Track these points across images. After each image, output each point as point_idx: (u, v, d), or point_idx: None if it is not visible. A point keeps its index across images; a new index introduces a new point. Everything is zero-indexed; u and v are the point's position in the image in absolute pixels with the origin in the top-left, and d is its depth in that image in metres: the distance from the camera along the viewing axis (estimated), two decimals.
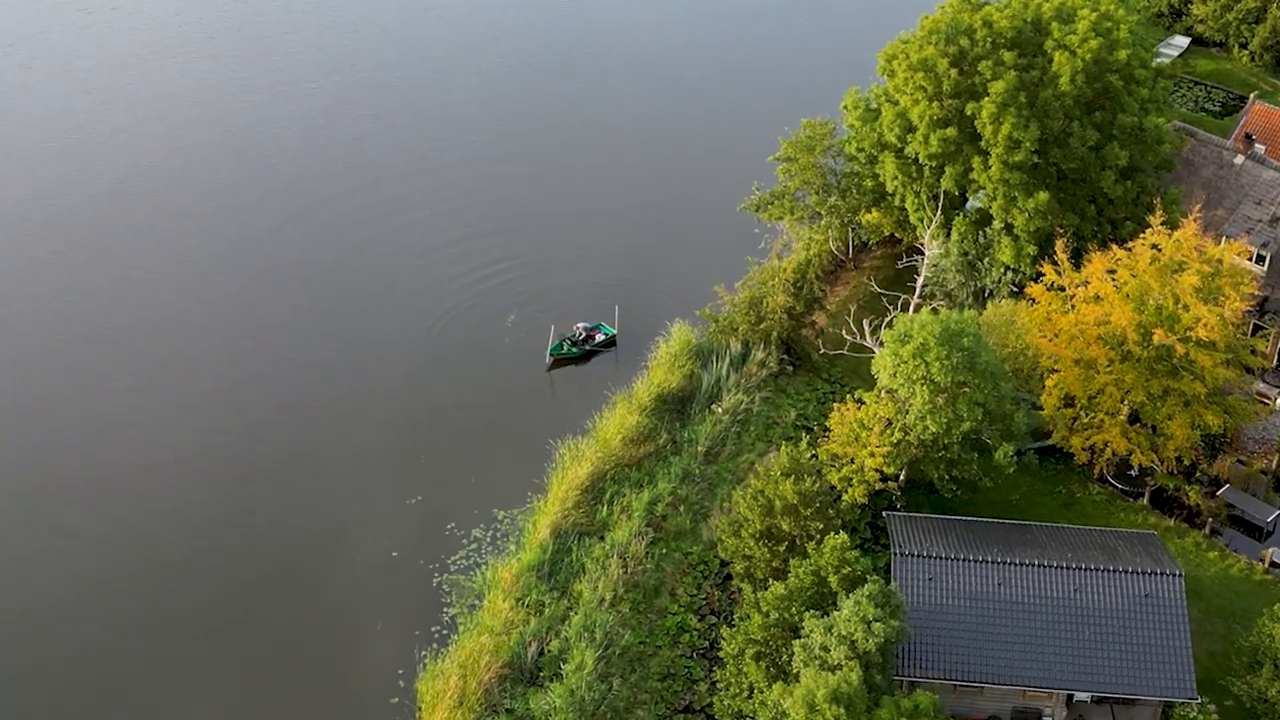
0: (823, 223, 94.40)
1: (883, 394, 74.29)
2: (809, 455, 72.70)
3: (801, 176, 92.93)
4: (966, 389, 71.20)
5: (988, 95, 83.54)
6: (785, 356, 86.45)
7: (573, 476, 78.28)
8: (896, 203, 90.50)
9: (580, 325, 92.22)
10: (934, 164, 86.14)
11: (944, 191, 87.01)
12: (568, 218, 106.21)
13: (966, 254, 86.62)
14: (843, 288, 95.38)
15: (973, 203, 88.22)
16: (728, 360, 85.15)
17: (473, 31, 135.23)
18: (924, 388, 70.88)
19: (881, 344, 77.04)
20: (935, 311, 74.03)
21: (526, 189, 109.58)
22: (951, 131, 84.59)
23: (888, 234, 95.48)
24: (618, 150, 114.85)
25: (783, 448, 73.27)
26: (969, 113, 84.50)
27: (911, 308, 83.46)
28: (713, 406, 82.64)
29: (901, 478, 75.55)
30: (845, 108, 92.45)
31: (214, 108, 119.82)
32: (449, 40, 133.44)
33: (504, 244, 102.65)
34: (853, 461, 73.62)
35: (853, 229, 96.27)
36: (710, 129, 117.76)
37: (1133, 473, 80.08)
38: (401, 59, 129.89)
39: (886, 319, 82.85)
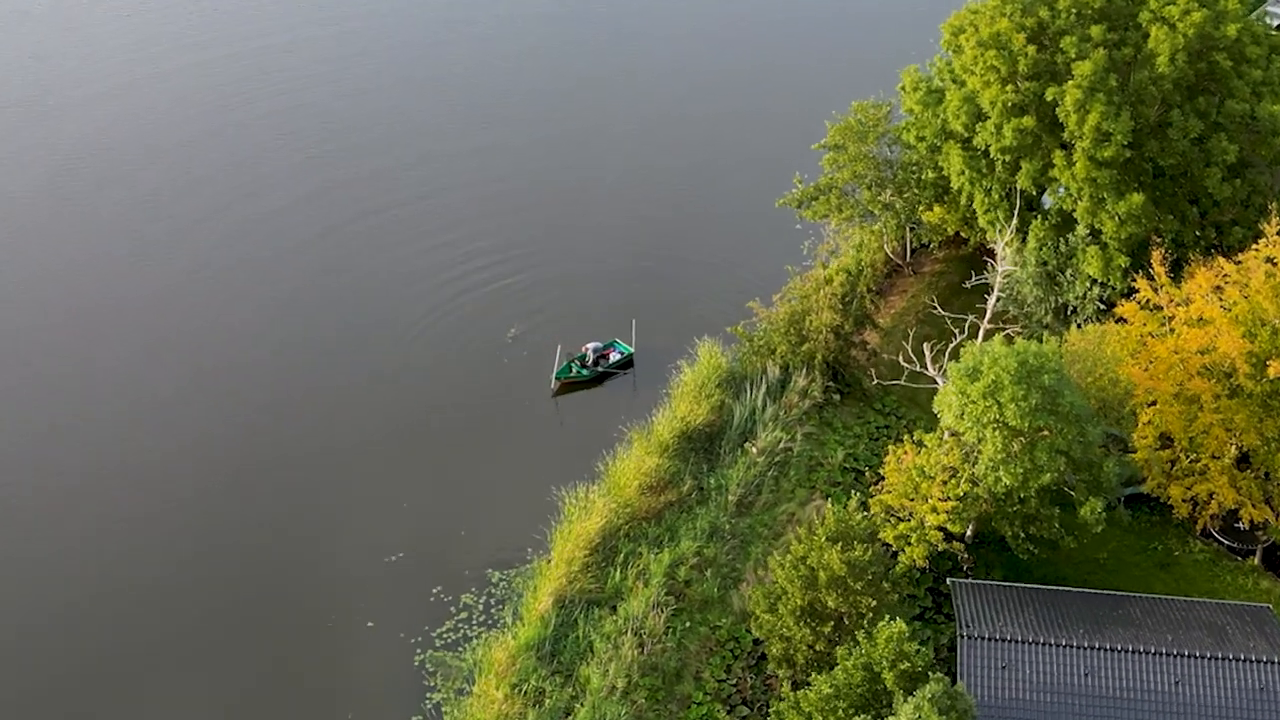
0: (876, 224, 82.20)
1: (946, 437, 62.60)
2: (859, 514, 60.91)
3: (851, 168, 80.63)
4: (1047, 434, 59.63)
5: (1071, 78, 70.94)
6: (831, 384, 74.48)
7: (580, 532, 66.58)
8: (963, 201, 77.96)
9: (591, 346, 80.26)
10: (1007, 158, 73.52)
11: (1019, 190, 74.52)
12: (578, 217, 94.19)
13: (1045, 264, 74.15)
14: (899, 298, 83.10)
15: (1050, 201, 75.49)
16: (764, 388, 73.18)
17: (484, 16, 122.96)
18: (996, 433, 59.32)
19: (945, 375, 65.24)
20: (1009, 340, 62.03)
21: (532, 184, 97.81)
22: (1028, 121, 72.04)
23: (952, 233, 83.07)
24: (638, 140, 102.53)
25: (828, 508, 61.51)
26: (1049, 98, 71.94)
27: (981, 333, 71.03)
28: (746, 445, 70.80)
29: (969, 533, 63.78)
30: (903, 89, 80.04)
31: (206, 123, 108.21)
32: (457, 31, 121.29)
33: (505, 246, 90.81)
34: (911, 517, 61.94)
35: (911, 228, 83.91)
36: (744, 114, 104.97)
37: (1242, 527, 67.70)
38: (407, 49, 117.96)
39: (951, 345, 70.51)
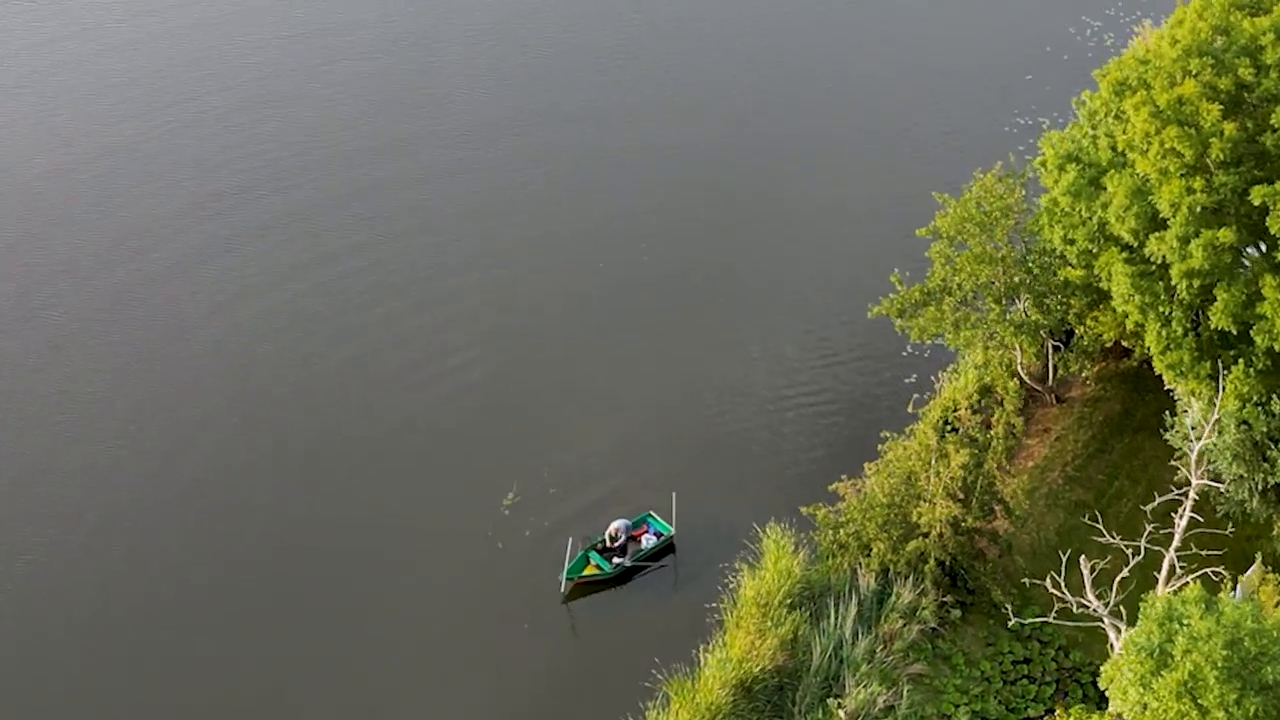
0: (1006, 346, 61.39)
1: None
2: None
3: (971, 270, 59.60)
4: None
5: None
6: (947, 599, 54.16)
7: None
8: (1131, 323, 56.42)
9: (618, 524, 59.95)
10: (1196, 283, 51.98)
11: (1215, 329, 53.04)
12: (601, 333, 72.22)
13: (1247, 426, 52.64)
14: (1039, 441, 62.01)
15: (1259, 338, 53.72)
16: (854, 607, 52.87)
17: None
18: None
19: (1110, 612, 45.71)
20: (1209, 607, 41.70)
21: (536, 282, 75.14)
22: (1227, 235, 50.45)
23: (1111, 342, 62.00)
24: (673, 214, 79.17)
25: None
26: (1257, 201, 50.33)
27: (1165, 572, 49.43)
28: (831, 703, 50.63)
29: None
30: (1042, 164, 58.58)
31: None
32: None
33: (503, 375, 69.14)
34: None
35: (1055, 347, 62.83)
36: (821, 176, 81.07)
37: None
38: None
39: (1122, 568, 49.42)
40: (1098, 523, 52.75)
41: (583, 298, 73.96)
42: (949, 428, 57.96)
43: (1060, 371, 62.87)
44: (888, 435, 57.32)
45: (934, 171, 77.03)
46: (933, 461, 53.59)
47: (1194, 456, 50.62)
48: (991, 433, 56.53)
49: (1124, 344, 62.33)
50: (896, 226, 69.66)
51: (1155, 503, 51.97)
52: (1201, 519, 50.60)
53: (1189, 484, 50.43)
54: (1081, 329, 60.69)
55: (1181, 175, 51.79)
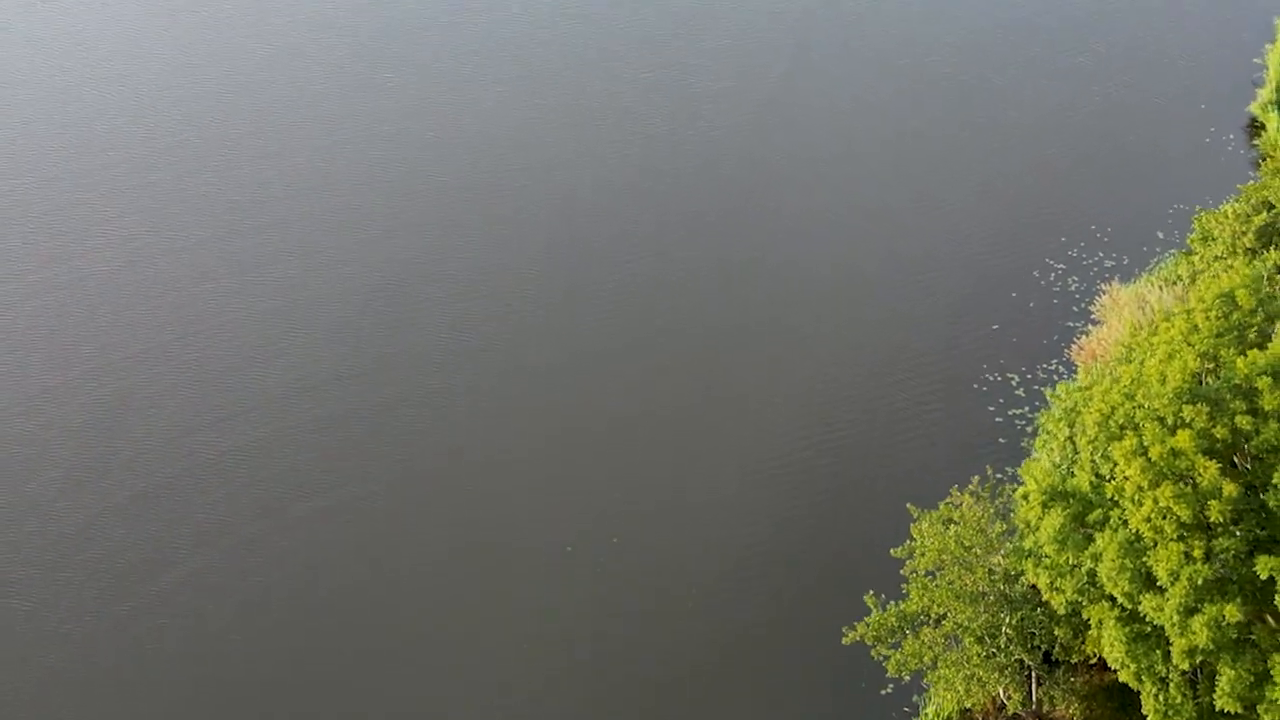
0: (990, 685, 57.27)
1: None
2: None
3: (951, 612, 55.62)
4: None
5: None
6: None
7: None
8: (1127, 673, 52.44)
9: None
10: (1196, 658, 48.18)
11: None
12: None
13: None
14: None
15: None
16: None
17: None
18: None
19: None
20: None
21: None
22: (1233, 612, 46.74)
23: (1095, 659, 58.12)
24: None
25: None
26: (1264, 574, 46.71)
27: None
28: None
29: None
30: (1024, 498, 54.85)
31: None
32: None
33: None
34: None
35: (1039, 681, 58.76)
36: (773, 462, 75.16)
37: None
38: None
39: None
40: None
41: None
42: None
43: (1045, 708, 58.80)
44: None
45: (907, 436, 74.73)
46: None
47: None
48: None
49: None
50: (864, 545, 66.48)
51: None
52: None
53: None
54: (1067, 662, 56.82)
55: (1179, 537, 48.30)
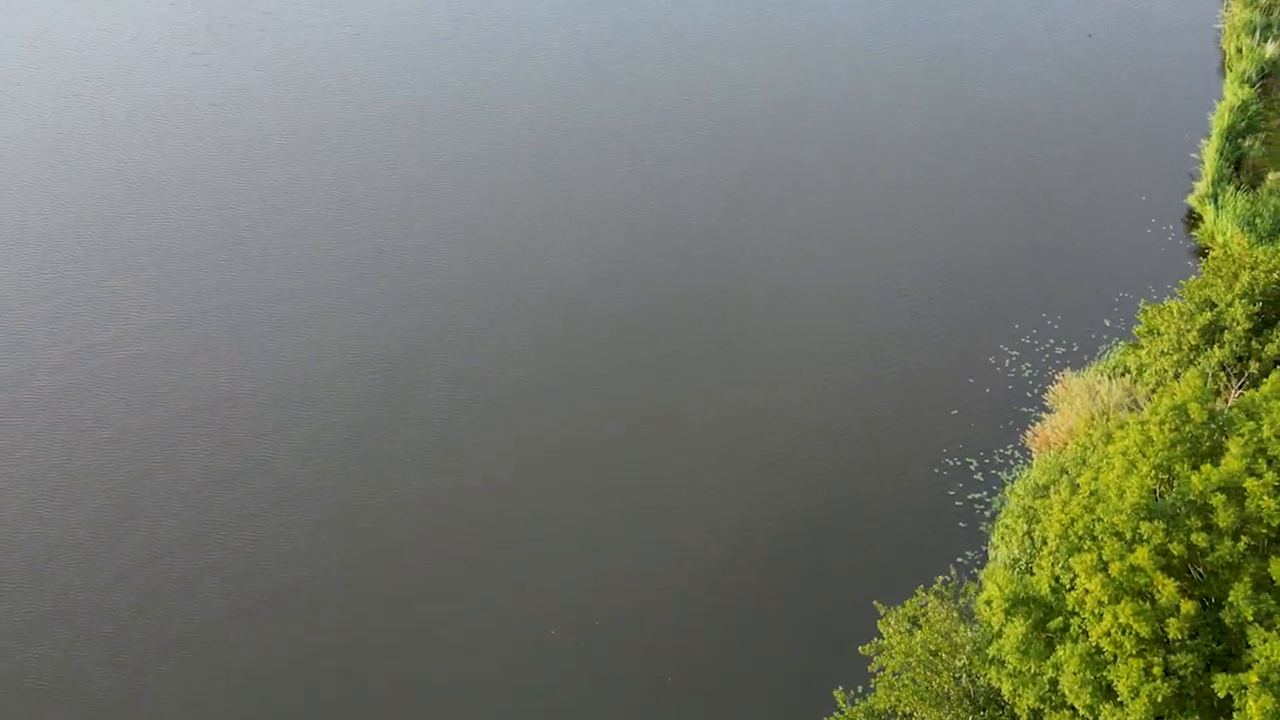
0: None
1: None
2: None
3: (915, 706, 57.46)
4: None
5: (1249, 653, 47.96)
6: None
7: None
8: None
9: None
10: None
11: None
12: None
13: None
14: None
15: None
16: None
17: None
18: None
19: None
20: None
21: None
22: None
23: None
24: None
25: None
26: (1221, 693, 48.81)
27: None
28: None
29: None
30: (987, 603, 56.75)
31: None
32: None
33: None
34: None
35: None
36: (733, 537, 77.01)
37: None
38: None
39: None
40: None
41: None
42: None
43: None
44: None
45: (873, 517, 76.66)
46: None
47: None
48: None
49: None
50: (829, 634, 68.47)
51: None
52: None
53: None
54: None
55: (1139, 652, 50.39)
